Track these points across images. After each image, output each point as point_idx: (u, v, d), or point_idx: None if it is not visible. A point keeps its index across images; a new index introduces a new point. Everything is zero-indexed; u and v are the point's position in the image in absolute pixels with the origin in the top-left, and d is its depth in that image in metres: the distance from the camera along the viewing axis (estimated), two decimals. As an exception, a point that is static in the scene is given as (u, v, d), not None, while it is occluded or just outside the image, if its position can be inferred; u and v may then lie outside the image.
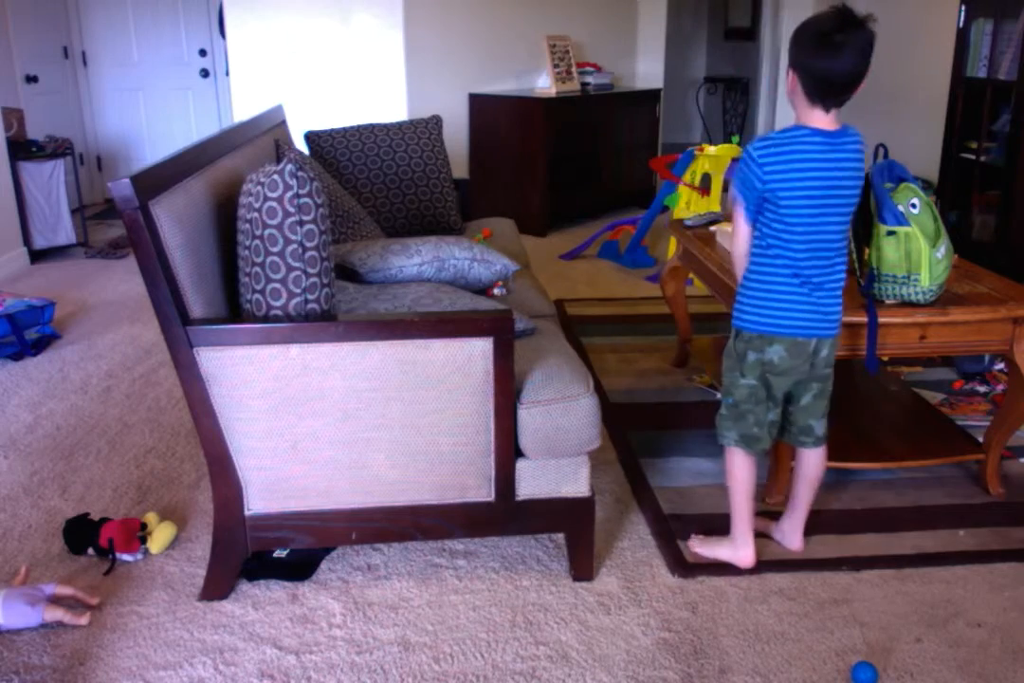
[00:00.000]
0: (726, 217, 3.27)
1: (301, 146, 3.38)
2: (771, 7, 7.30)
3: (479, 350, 1.91)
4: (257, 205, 1.87)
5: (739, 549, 2.15)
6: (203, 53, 6.82)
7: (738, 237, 2.00)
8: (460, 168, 5.47)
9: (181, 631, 1.97)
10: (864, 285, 2.29)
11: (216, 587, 2.08)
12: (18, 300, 3.68)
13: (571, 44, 6.04)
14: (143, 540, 2.24)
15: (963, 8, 4.43)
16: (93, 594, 2.07)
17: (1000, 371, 3.22)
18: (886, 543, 2.28)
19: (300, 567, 2.18)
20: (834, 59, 1.84)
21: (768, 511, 2.42)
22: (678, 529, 2.34)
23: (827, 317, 1.99)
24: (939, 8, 5.02)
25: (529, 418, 1.99)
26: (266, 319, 1.91)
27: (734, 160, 4.53)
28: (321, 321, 1.90)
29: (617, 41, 6.61)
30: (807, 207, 1.88)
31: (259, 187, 1.88)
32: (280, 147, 2.87)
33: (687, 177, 4.58)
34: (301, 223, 1.86)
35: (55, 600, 1.99)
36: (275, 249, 1.87)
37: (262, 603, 2.07)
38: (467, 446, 2.00)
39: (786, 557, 2.23)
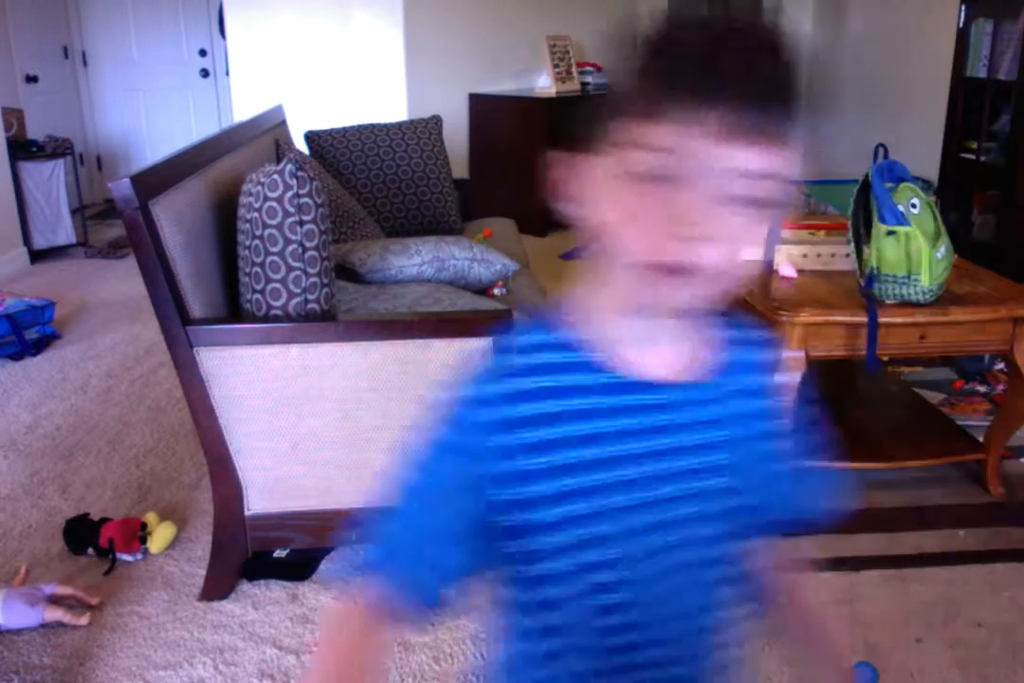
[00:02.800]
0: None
1: (301, 146, 3.38)
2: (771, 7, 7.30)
3: (479, 350, 1.91)
4: (257, 205, 1.87)
5: None
6: (203, 53, 6.81)
7: None
8: (460, 168, 5.46)
9: (181, 631, 1.97)
10: (864, 285, 2.29)
11: (216, 587, 2.08)
12: (18, 300, 3.67)
13: (571, 44, 6.04)
14: (143, 540, 2.24)
15: (963, 8, 4.43)
16: (93, 594, 2.06)
17: (1000, 371, 3.22)
18: (886, 543, 2.28)
19: (300, 567, 2.18)
20: None
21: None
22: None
23: None
24: (939, 8, 5.01)
25: (529, 418, 1.98)
26: (266, 319, 1.91)
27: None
28: (321, 321, 1.90)
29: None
30: None
31: (259, 187, 1.88)
32: (280, 147, 2.87)
33: (687, 177, 4.57)
34: (301, 223, 1.86)
35: (55, 600, 1.99)
36: (275, 249, 1.87)
37: (262, 603, 2.07)
38: (467, 446, 2.00)
39: (786, 557, 2.23)
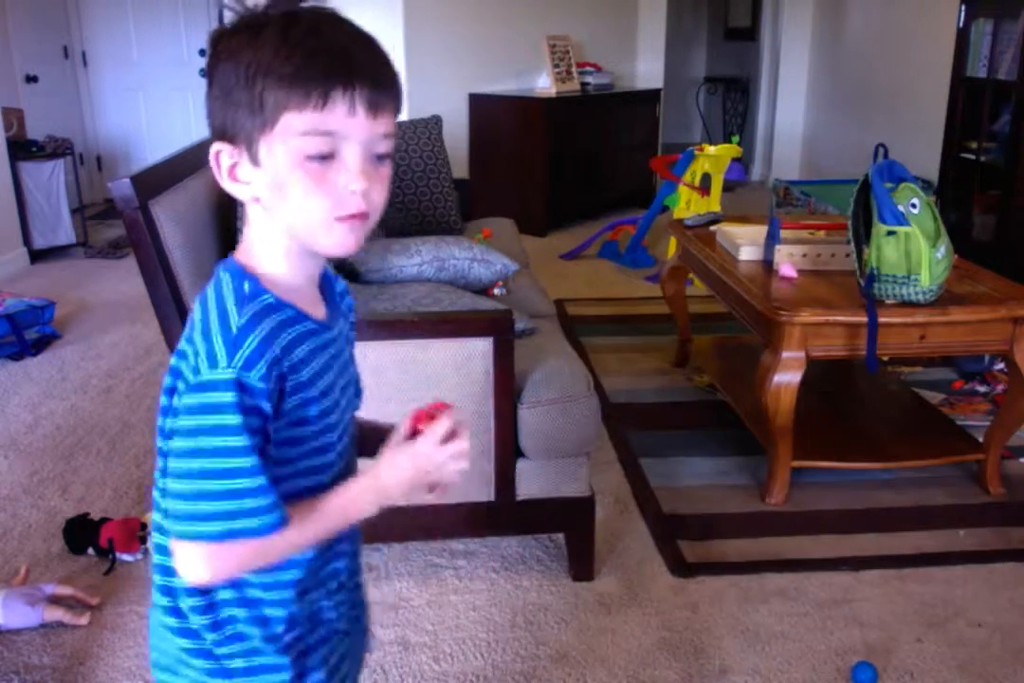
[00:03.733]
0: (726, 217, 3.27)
1: (301, 146, 3.37)
2: (771, 7, 7.30)
3: (479, 350, 1.91)
4: (257, 205, 1.87)
5: None
6: (203, 53, 6.81)
7: None
8: (460, 168, 5.46)
9: (181, 631, 1.97)
10: (864, 285, 2.29)
11: (216, 587, 2.08)
12: (18, 300, 3.67)
13: (571, 44, 6.04)
14: (143, 540, 2.24)
15: (963, 8, 4.43)
16: (93, 594, 2.07)
17: (1000, 371, 3.22)
18: (886, 543, 2.28)
19: (300, 567, 2.18)
20: None
21: (769, 511, 2.42)
22: (678, 529, 2.34)
23: None
24: (939, 8, 5.01)
25: (529, 418, 1.98)
26: (266, 319, 1.91)
27: (734, 160, 4.53)
28: (321, 321, 1.90)
29: (617, 41, 6.60)
30: None
31: (259, 187, 1.88)
32: (280, 147, 2.86)
33: (687, 177, 4.58)
34: (301, 223, 1.86)
35: (55, 600, 1.99)
36: (275, 249, 1.87)
37: (262, 603, 2.07)
38: (467, 446, 2.00)
39: (786, 557, 2.23)
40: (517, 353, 1.96)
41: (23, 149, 5.03)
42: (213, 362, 0.82)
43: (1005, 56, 4.19)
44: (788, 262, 2.58)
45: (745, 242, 2.76)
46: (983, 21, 4.32)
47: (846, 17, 6.42)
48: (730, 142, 4.55)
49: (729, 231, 2.92)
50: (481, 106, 5.72)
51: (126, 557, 2.22)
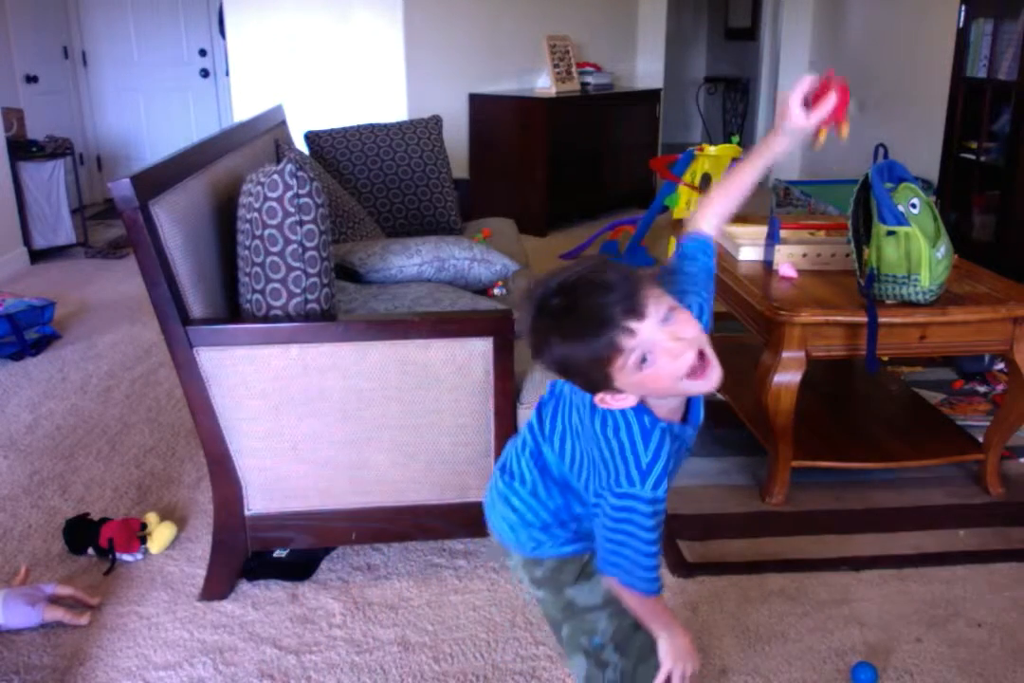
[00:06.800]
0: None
1: (301, 146, 3.38)
2: (771, 7, 7.31)
3: (479, 350, 1.91)
4: (257, 205, 1.87)
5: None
6: (203, 53, 6.82)
7: None
8: (460, 168, 5.46)
9: (181, 631, 1.97)
10: (864, 285, 2.29)
11: (216, 587, 2.08)
12: (18, 300, 3.67)
13: (571, 44, 6.04)
14: (143, 540, 2.24)
15: (963, 8, 4.43)
16: (93, 594, 2.07)
17: (1000, 371, 3.22)
18: (886, 543, 2.28)
19: (300, 567, 2.18)
20: None
21: (769, 511, 2.42)
22: (678, 529, 2.33)
23: None
24: (939, 8, 5.01)
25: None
26: (266, 319, 1.91)
27: (734, 160, 4.53)
28: (321, 321, 1.90)
29: (617, 41, 6.61)
30: None
31: (259, 187, 1.88)
32: (280, 147, 2.87)
33: (687, 177, 4.58)
34: (301, 223, 1.86)
35: (55, 600, 1.99)
36: (275, 249, 1.87)
37: (262, 603, 2.07)
38: (467, 446, 2.00)
39: (786, 557, 2.23)
40: (517, 353, 1.96)
41: (23, 149, 5.03)
42: (631, 482, 1.21)
43: (1005, 56, 4.19)
44: (788, 262, 2.58)
45: (745, 242, 2.76)
46: (983, 21, 4.32)
47: (846, 17, 6.42)
48: (730, 142, 4.55)
49: (729, 231, 2.91)
50: (481, 106, 5.72)
51: (126, 557, 2.22)
